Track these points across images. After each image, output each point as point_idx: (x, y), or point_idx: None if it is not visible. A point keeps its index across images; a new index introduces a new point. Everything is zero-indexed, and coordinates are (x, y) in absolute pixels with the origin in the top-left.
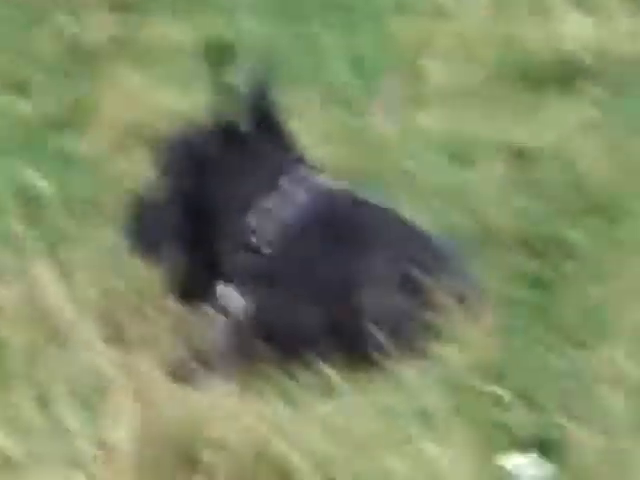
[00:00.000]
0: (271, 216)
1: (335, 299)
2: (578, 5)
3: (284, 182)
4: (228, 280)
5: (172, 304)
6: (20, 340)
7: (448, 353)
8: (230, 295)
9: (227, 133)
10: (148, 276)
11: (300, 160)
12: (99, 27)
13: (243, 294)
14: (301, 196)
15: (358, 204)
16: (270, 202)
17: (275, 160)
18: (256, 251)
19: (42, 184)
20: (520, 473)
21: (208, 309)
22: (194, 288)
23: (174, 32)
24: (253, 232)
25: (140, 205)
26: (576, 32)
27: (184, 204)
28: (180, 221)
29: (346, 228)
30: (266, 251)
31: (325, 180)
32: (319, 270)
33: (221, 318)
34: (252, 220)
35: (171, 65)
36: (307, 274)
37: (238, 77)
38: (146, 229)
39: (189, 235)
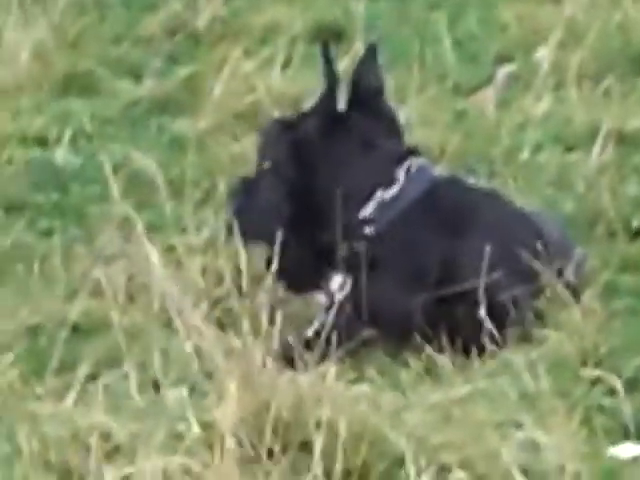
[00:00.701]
0: (389, 208)
1: (443, 284)
2: None
3: (400, 175)
4: (337, 267)
5: (280, 290)
6: (125, 321)
7: (556, 339)
8: (338, 282)
9: (334, 117)
10: (256, 261)
11: (413, 150)
12: (210, 11)
13: (351, 280)
14: (417, 188)
15: (469, 191)
16: (388, 194)
17: (389, 151)
18: (369, 240)
19: (151, 167)
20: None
21: (316, 296)
22: (303, 276)
23: (283, 15)
24: (369, 222)
25: (247, 190)
26: None
27: (291, 190)
28: (287, 208)
29: (457, 215)
30: (375, 237)
31: (437, 169)
32: (426, 254)
33: (327, 304)
34: (369, 212)
35: (280, 48)
36: (415, 258)
37: (347, 60)
38: (253, 215)
39: (297, 222)
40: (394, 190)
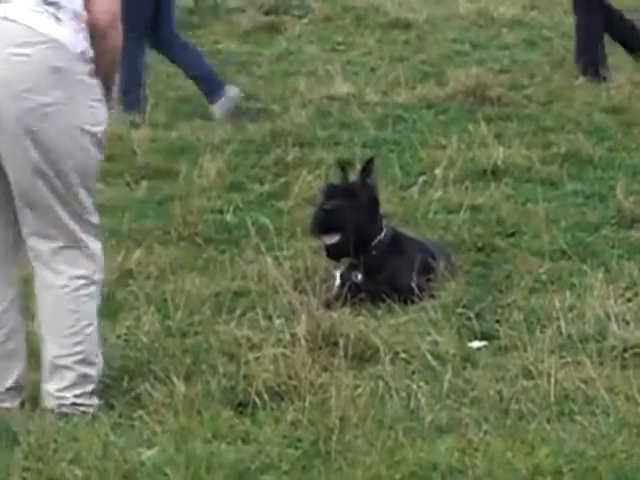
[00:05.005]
0: (382, 243)
1: (396, 274)
2: None
3: (386, 222)
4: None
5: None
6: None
7: (441, 293)
8: (356, 272)
9: (347, 185)
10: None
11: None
12: None
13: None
14: (388, 229)
15: (405, 234)
16: (381, 236)
17: (376, 209)
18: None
19: None
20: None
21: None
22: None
23: (328, 156)
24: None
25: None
26: None
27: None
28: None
29: (400, 244)
30: (374, 254)
31: (391, 222)
32: (390, 262)
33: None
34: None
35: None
36: (386, 263)
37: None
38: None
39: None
40: (382, 235)
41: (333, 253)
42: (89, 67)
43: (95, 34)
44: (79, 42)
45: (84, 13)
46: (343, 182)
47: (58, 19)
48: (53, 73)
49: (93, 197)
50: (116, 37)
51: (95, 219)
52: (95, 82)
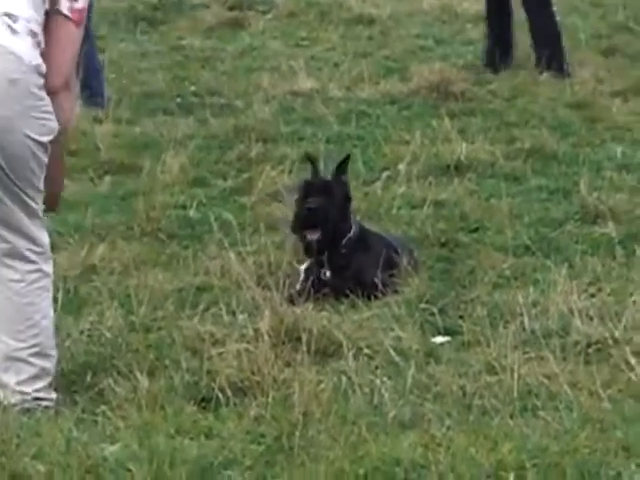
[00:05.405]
0: (351, 240)
1: (362, 271)
2: None
3: (354, 219)
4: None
5: (291, 268)
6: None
7: (405, 288)
8: (324, 269)
9: (325, 182)
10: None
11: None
12: None
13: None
14: (356, 226)
15: (370, 230)
16: (351, 234)
17: (349, 207)
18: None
19: None
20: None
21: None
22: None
23: (292, 152)
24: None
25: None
26: None
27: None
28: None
29: (367, 240)
30: (343, 251)
31: (358, 220)
32: (356, 258)
33: (317, 277)
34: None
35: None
36: (352, 260)
37: (329, 163)
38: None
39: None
40: (352, 232)
41: (313, 249)
42: (42, 80)
43: (47, 92)
44: (35, 56)
45: (41, 36)
46: (319, 179)
47: (14, 31)
48: (9, 85)
49: (41, 194)
50: (68, 97)
51: (41, 214)
52: (46, 95)
